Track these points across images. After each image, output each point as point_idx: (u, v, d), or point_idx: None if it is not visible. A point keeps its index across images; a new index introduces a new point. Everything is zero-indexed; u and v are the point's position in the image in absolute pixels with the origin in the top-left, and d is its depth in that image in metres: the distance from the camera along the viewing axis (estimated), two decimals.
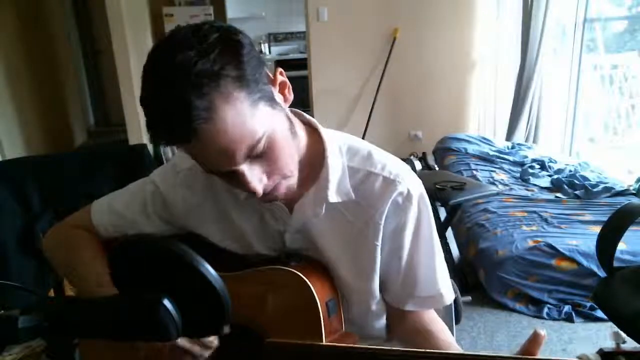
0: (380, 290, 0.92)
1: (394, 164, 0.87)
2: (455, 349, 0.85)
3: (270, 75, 0.74)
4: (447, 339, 0.88)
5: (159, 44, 0.69)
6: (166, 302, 0.55)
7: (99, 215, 0.95)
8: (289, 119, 0.77)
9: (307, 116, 0.88)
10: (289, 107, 0.80)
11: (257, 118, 0.69)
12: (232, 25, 0.72)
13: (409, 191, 0.84)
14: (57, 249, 0.97)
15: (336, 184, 0.83)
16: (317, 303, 0.79)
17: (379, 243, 0.85)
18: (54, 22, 5.52)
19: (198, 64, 0.64)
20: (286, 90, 0.77)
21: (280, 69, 0.76)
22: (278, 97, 0.75)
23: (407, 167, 0.89)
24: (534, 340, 0.68)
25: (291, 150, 0.77)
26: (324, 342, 0.79)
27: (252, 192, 0.74)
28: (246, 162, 0.71)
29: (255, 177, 0.73)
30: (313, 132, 0.86)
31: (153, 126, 0.68)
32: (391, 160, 0.88)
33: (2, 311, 0.55)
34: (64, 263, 0.95)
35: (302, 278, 0.79)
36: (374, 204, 0.84)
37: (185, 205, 0.91)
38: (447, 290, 0.92)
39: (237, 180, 0.73)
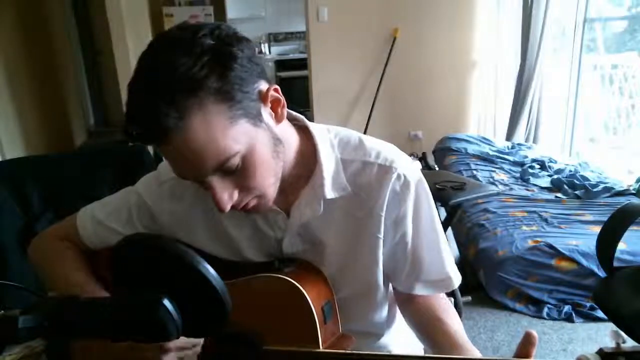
0: (386, 281, 0.92)
1: (388, 150, 0.86)
2: (465, 340, 0.84)
3: (264, 91, 0.72)
4: (457, 328, 0.86)
5: (157, 38, 0.69)
6: (166, 302, 0.55)
7: (84, 225, 0.93)
8: (275, 138, 0.74)
9: (294, 113, 0.86)
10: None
11: (233, 134, 0.68)
12: (238, 33, 0.70)
13: (405, 177, 0.83)
14: (41, 260, 0.96)
15: (331, 179, 0.82)
16: (312, 310, 0.78)
17: (381, 235, 0.84)
18: (54, 22, 5.52)
19: (181, 68, 0.64)
20: (279, 108, 0.74)
21: (275, 86, 0.73)
22: (267, 116, 0.73)
23: (401, 152, 0.87)
24: (528, 341, 0.68)
25: (269, 171, 0.74)
26: (320, 348, 0.78)
27: (218, 207, 0.72)
28: (216, 175, 0.70)
29: (226, 192, 0.72)
30: (302, 130, 0.85)
31: (128, 121, 0.67)
32: (384, 146, 0.87)
33: (2, 311, 0.55)
34: (46, 276, 0.94)
35: (297, 285, 0.78)
36: (373, 194, 0.83)
37: (172, 217, 0.89)
38: (455, 274, 0.92)
39: (208, 192, 0.72)
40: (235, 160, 0.69)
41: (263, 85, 0.72)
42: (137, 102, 0.66)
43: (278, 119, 0.75)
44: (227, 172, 0.70)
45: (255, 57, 0.71)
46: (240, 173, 0.71)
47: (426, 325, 0.90)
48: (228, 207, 0.72)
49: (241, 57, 0.68)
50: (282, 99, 0.74)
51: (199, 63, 0.64)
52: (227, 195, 0.72)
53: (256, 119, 0.71)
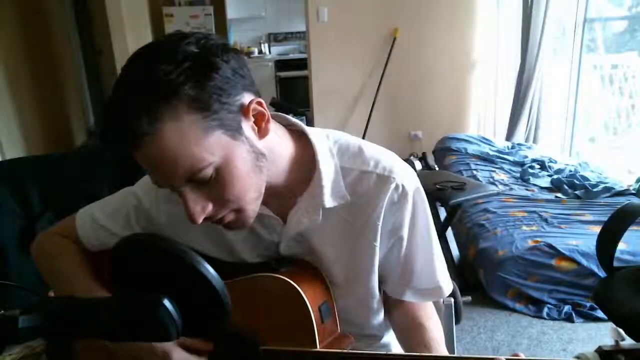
0: (380, 286, 0.92)
1: (386, 159, 0.85)
2: (443, 349, 0.85)
3: (246, 104, 0.70)
4: (437, 336, 0.87)
5: (145, 45, 0.69)
6: (166, 302, 0.55)
7: (83, 227, 0.93)
8: (258, 153, 0.73)
9: (293, 120, 0.85)
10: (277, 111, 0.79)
11: (207, 144, 0.66)
12: (227, 44, 0.70)
13: (403, 187, 0.83)
14: (43, 259, 0.96)
15: (330, 187, 0.81)
16: (309, 309, 0.78)
17: (378, 243, 0.84)
18: (54, 22, 5.52)
19: (159, 73, 0.63)
20: (263, 123, 0.72)
21: (258, 99, 0.72)
22: (248, 129, 0.71)
23: (400, 160, 0.87)
24: None
25: (248, 185, 0.72)
26: (318, 348, 0.78)
27: (189, 218, 0.71)
28: (189, 185, 0.69)
29: (198, 203, 0.70)
30: (300, 136, 0.83)
31: (103, 124, 0.67)
32: (383, 154, 0.86)
33: (2, 311, 0.55)
34: (49, 274, 0.94)
35: (293, 285, 0.78)
36: (370, 202, 0.82)
37: (169, 219, 0.88)
38: (446, 283, 0.92)
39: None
40: (209, 171, 0.68)
41: (246, 98, 0.70)
42: (112, 104, 0.66)
43: (262, 134, 0.73)
44: (200, 183, 0.69)
45: (243, 69, 0.70)
46: (214, 185, 0.70)
47: (408, 329, 0.90)
48: (200, 220, 0.71)
49: (224, 67, 0.67)
50: (267, 113, 0.73)
51: (177, 70, 0.64)
52: (200, 207, 0.71)
53: (235, 131, 0.69)
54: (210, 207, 0.72)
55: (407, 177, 0.84)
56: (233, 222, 0.76)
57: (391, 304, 0.95)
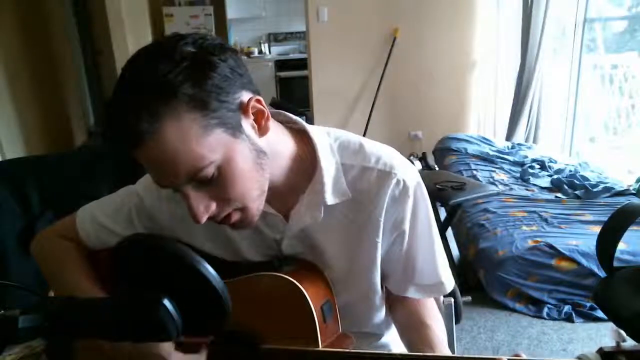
0: (383, 283, 0.92)
1: (387, 155, 0.85)
2: (445, 348, 0.85)
3: (245, 102, 0.70)
4: (440, 335, 0.88)
5: (143, 47, 0.69)
6: (166, 302, 0.56)
7: (83, 227, 0.93)
8: (258, 150, 0.73)
9: (294, 117, 0.85)
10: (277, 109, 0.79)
11: (208, 143, 0.67)
12: (224, 44, 0.70)
13: (405, 182, 0.83)
14: (43, 259, 0.96)
15: (332, 185, 0.81)
16: (311, 309, 0.78)
17: (380, 239, 0.85)
18: (54, 22, 5.51)
19: (157, 73, 0.64)
20: (263, 121, 0.73)
21: (257, 97, 0.72)
22: (248, 127, 0.72)
23: (400, 156, 0.87)
24: None
25: (250, 183, 0.73)
26: (320, 347, 0.78)
27: (193, 218, 0.71)
28: (190, 184, 0.69)
29: (201, 203, 0.70)
30: (301, 134, 0.84)
31: (105, 124, 0.67)
32: (384, 150, 0.86)
33: (2, 311, 0.55)
34: (49, 273, 0.94)
35: (296, 284, 0.78)
36: (372, 199, 0.83)
37: (172, 218, 0.89)
38: (448, 279, 0.92)
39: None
40: (210, 170, 0.68)
41: (245, 96, 0.71)
42: (113, 104, 0.67)
43: (262, 131, 0.74)
44: (202, 182, 0.69)
45: (241, 68, 0.70)
46: (217, 184, 0.70)
47: (411, 327, 0.90)
48: (203, 219, 0.71)
49: (222, 66, 0.67)
50: (266, 110, 0.73)
51: (176, 69, 0.64)
52: (203, 207, 0.71)
53: (235, 129, 0.69)
54: (213, 206, 0.72)
55: (408, 172, 0.85)
56: (238, 221, 0.76)
57: (394, 302, 0.95)
